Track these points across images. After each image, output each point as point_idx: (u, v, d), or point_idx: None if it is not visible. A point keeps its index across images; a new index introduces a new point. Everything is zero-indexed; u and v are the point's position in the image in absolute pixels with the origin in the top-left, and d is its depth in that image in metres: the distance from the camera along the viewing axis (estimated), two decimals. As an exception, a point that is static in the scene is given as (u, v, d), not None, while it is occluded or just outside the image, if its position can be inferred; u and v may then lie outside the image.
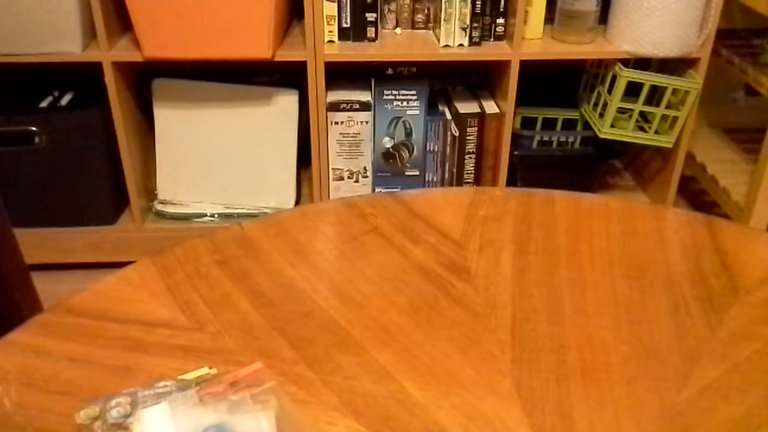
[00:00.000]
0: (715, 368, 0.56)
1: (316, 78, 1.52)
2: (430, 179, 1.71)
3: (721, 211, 1.68)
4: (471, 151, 1.66)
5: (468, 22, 1.52)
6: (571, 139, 1.72)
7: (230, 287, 0.64)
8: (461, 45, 1.54)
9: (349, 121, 1.60)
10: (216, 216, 1.68)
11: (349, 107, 1.59)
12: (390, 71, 1.68)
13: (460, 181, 1.70)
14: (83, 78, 1.58)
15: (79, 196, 1.60)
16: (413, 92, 1.59)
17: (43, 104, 1.57)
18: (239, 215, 1.68)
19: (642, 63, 1.61)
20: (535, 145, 1.71)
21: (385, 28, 1.63)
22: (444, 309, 0.62)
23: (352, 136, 1.62)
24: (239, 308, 0.61)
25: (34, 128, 1.52)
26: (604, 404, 0.52)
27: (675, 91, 1.56)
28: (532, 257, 0.69)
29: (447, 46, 1.54)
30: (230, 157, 1.65)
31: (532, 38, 1.57)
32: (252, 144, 1.64)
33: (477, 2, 1.51)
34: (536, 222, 0.75)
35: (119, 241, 1.65)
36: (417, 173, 1.68)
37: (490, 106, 1.64)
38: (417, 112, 1.61)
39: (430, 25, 1.64)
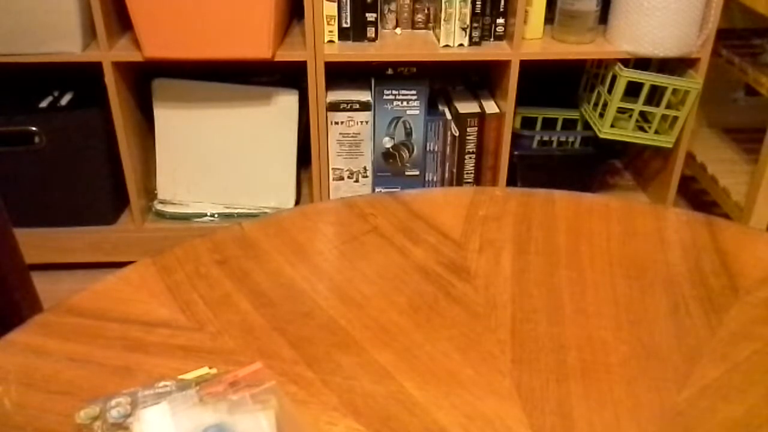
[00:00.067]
0: (715, 368, 0.56)
1: (316, 78, 1.52)
2: (430, 179, 1.71)
3: (721, 211, 1.68)
4: (471, 151, 1.66)
5: (468, 22, 1.52)
6: (571, 139, 1.72)
7: (230, 287, 0.64)
8: (461, 45, 1.54)
9: (349, 121, 1.60)
10: (216, 216, 1.68)
11: (349, 107, 1.59)
12: (390, 71, 1.68)
13: (460, 181, 1.70)
14: (83, 78, 1.58)
15: (79, 196, 1.60)
16: (413, 92, 1.59)
17: (43, 104, 1.57)
18: (239, 215, 1.68)
19: (642, 63, 1.61)
20: (535, 145, 1.71)
21: (385, 28, 1.63)
22: (444, 309, 0.62)
23: (352, 136, 1.62)
24: (239, 308, 0.61)
25: (34, 128, 1.52)
26: (604, 404, 0.52)
27: (675, 91, 1.56)
28: (532, 257, 0.69)
29: (447, 46, 1.54)
30: (230, 157, 1.65)
31: (532, 38, 1.57)
32: (252, 144, 1.64)
33: (477, 2, 1.51)
34: (536, 222, 0.75)
35: (119, 241, 1.65)
36: (417, 173, 1.68)
37: (490, 106, 1.64)
38: (417, 112, 1.61)
39: (430, 25, 1.64)
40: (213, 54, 1.44)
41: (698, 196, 1.94)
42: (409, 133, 1.64)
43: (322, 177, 1.65)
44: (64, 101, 1.58)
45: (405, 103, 1.60)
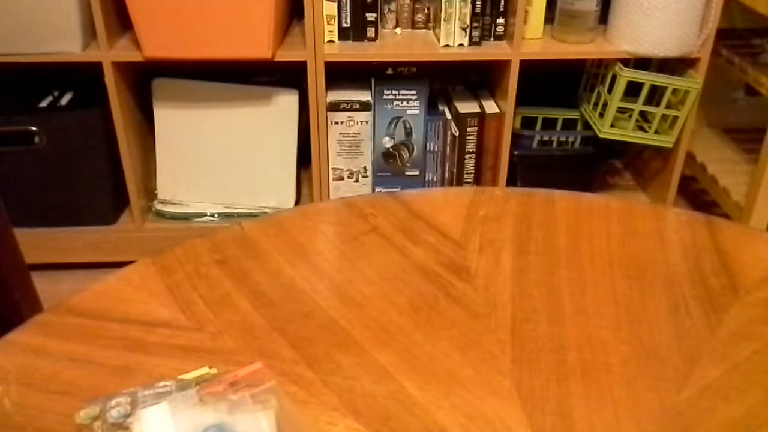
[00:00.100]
0: (715, 368, 0.56)
1: (316, 78, 1.52)
2: (430, 179, 1.71)
3: (721, 211, 1.68)
4: (471, 151, 1.66)
5: (468, 21, 1.52)
6: (571, 139, 1.72)
7: (230, 287, 0.64)
8: (461, 45, 1.54)
9: (349, 121, 1.60)
10: (216, 216, 1.68)
11: (349, 107, 1.59)
12: (390, 71, 1.68)
13: (460, 181, 1.70)
14: (83, 78, 1.58)
15: (79, 196, 1.60)
16: (413, 92, 1.59)
17: (43, 104, 1.57)
18: (239, 215, 1.68)
19: (642, 63, 1.61)
20: (535, 144, 1.71)
21: (385, 28, 1.63)
22: (444, 309, 0.62)
23: (352, 136, 1.62)
24: (239, 308, 0.61)
25: (34, 128, 1.52)
26: (604, 404, 0.52)
27: (675, 91, 1.56)
28: (532, 257, 0.69)
29: (447, 45, 1.54)
30: (230, 157, 1.65)
31: (532, 38, 1.57)
32: (252, 144, 1.64)
33: (477, 2, 1.51)
34: (536, 222, 0.75)
35: (119, 241, 1.65)
36: (417, 173, 1.68)
37: (490, 106, 1.64)
38: (417, 111, 1.61)
39: (430, 24, 1.64)
40: (213, 54, 1.44)
41: (698, 196, 1.94)
42: (409, 133, 1.64)
43: (322, 177, 1.65)
44: (64, 101, 1.58)
45: (405, 103, 1.60)
